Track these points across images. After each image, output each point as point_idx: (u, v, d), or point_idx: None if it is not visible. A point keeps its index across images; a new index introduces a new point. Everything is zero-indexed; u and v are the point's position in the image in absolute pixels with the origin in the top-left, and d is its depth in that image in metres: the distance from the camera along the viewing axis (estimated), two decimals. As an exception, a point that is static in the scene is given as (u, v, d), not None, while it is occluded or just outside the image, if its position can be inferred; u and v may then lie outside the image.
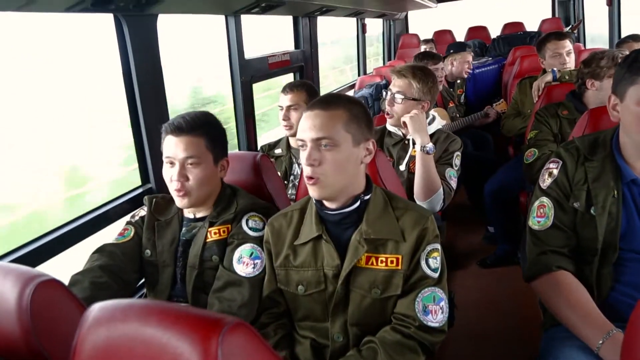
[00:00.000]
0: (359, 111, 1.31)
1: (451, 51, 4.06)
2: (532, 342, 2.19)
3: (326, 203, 1.31)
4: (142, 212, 1.59)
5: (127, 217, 1.63)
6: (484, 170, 3.14)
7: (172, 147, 1.45)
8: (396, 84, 2.11)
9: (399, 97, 2.09)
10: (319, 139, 1.24)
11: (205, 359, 0.61)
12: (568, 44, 2.94)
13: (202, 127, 1.47)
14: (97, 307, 0.73)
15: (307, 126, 1.26)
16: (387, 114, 2.14)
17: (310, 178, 1.25)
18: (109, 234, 1.64)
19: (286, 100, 2.26)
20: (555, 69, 2.81)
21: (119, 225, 1.64)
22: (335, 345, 1.32)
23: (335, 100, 1.30)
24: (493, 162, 3.33)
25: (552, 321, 1.40)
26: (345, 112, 1.27)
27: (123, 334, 0.68)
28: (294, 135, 2.22)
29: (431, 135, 2.09)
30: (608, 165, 1.37)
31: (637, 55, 1.30)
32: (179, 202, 1.48)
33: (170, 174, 1.46)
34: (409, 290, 1.27)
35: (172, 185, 1.46)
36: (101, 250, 1.49)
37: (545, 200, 1.44)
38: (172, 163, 1.46)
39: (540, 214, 1.44)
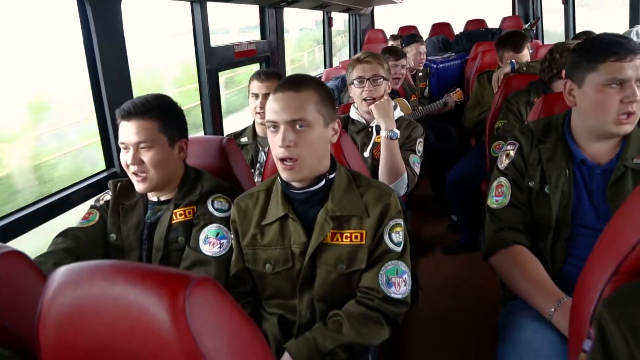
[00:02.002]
0: (327, 92, 1.35)
1: (403, 45, 4.14)
2: (493, 320, 2.29)
3: (293, 183, 1.34)
4: (107, 196, 1.57)
5: (91, 201, 1.61)
6: (447, 161, 3.22)
7: (125, 132, 1.44)
8: (367, 69, 2.16)
9: (374, 79, 2.14)
10: (294, 121, 1.26)
11: (173, 313, 0.62)
12: (525, 55, 3.03)
13: (153, 109, 1.45)
14: (62, 270, 0.73)
15: (280, 107, 1.27)
16: (366, 99, 2.16)
17: (285, 160, 1.26)
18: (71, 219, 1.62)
19: (263, 87, 2.22)
20: (513, 60, 2.92)
21: (82, 209, 1.62)
22: (302, 320, 1.35)
23: (306, 82, 1.31)
24: (455, 152, 3.42)
25: (510, 295, 1.46)
26: (315, 93, 1.30)
27: (90, 293, 0.69)
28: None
29: None
30: (560, 146, 1.44)
31: (595, 43, 1.35)
32: (138, 187, 1.47)
33: (125, 159, 1.45)
34: (372, 263, 1.31)
35: (129, 170, 1.46)
36: (65, 234, 1.47)
37: (503, 180, 1.51)
38: (126, 148, 1.45)
39: (499, 194, 1.50)
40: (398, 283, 1.30)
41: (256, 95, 2.25)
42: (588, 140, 1.41)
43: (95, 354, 0.69)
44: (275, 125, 1.28)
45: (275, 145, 1.27)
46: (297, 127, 1.26)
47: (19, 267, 0.93)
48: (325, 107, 1.31)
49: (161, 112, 1.47)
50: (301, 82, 1.31)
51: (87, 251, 1.46)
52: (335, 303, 1.32)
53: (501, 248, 1.44)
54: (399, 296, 1.30)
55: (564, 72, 2.27)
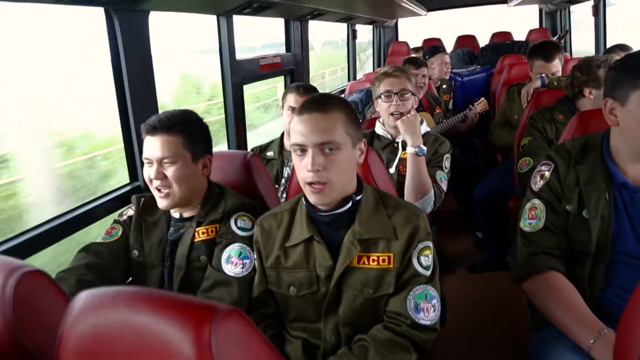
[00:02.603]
0: (353, 111, 1.31)
1: (426, 57, 4.09)
2: (520, 344, 2.21)
3: (318, 205, 1.30)
4: (130, 211, 1.56)
5: (114, 215, 1.60)
6: (472, 176, 3.15)
7: (149, 147, 1.43)
8: (394, 84, 2.11)
9: (402, 94, 2.10)
10: (323, 144, 1.21)
11: (198, 346, 0.59)
12: (556, 65, 2.94)
13: (177, 125, 1.44)
14: (84, 295, 0.70)
15: (308, 130, 1.22)
16: (393, 114, 2.11)
17: (314, 184, 1.22)
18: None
19: (301, 100, 2.14)
20: (543, 75, 2.84)
21: (105, 223, 1.62)
22: (327, 345, 1.30)
23: (331, 102, 1.27)
24: (481, 168, 3.34)
25: (542, 322, 1.39)
26: (343, 113, 1.25)
27: (111, 321, 0.66)
28: None
29: None
30: (599, 168, 1.37)
31: (637, 58, 1.29)
32: (161, 203, 1.45)
33: (148, 174, 1.44)
34: (400, 288, 1.26)
35: (152, 185, 1.44)
36: (87, 249, 1.46)
37: (537, 202, 1.44)
38: (150, 163, 1.44)
39: (532, 216, 1.44)
40: (427, 308, 1.25)
41: (294, 109, 2.22)
42: (630, 161, 1.34)
43: None
44: (302, 149, 1.23)
45: (303, 169, 1.23)
46: (327, 150, 1.22)
47: (40, 286, 0.91)
48: (352, 127, 1.27)
49: (186, 127, 1.46)
50: (328, 102, 1.26)
51: (109, 267, 1.45)
52: (362, 328, 1.27)
53: (535, 273, 1.37)
54: (428, 322, 1.25)
55: (586, 89, 2.23)
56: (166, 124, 1.43)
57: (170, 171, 1.42)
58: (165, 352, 0.61)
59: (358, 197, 1.30)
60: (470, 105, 3.66)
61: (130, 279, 1.54)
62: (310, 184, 1.23)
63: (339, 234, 1.29)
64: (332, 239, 1.29)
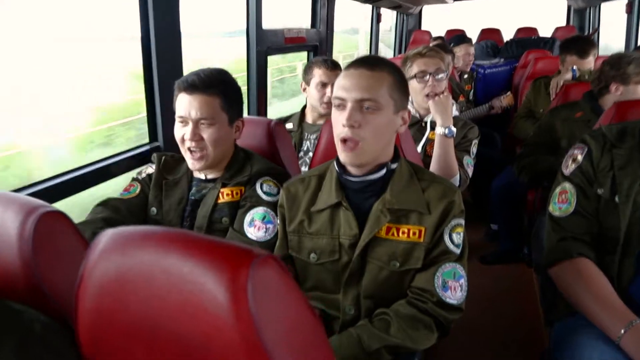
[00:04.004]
0: (402, 78, 1.26)
1: (451, 44, 4.00)
2: (533, 336, 2.17)
3: (350, 169, 1.25)
4: (150, 169, 1.52)
5: (132, 174, 1.57)
6: (490, 168, 3.09)
7: (186, 105, 1.38)
8: (429, 64, 2.04)
9: (438, 74, 2.04)
10: (362, 100, 1.17)
11: (233, 291, 0.54)
12: (589, 62, 2.85)
13: (217, 85, 1.39)
14: (109, 233, 0.66)
15: (351, 84, 1.18)
16: (428, 95, 2.05)
17: (347, 141, 1.18)
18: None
19: (333, 76, 2.15)
20: (575, 67, 2.76)
21: (121, 181, 1.58)
22: (345, 317, 1.26)
23: (381, 63, 1.23)
24: (500, 160, 3.28)
25: (567, 311, 1.34)
26: (390, 75, 1.21)
27: (139, 261, 0.61)
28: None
29: None
30: (636, 153, 1.31)
31: None
32: (193, 164, 1.41)
33: (182, 133, 1.39)
34: (429, 264, 1.22)
35: (185, 145, 1.39)
36: (105, 204, 1.43)
37: (567, 186, 1.39)
38: (184, 122, 1.39)
39: (562, 200, 1.39)
40: (454, 287, 1.20)
41: (324, 85, 2.19)
42: None
43: (137, 331, 0.62)
44: (342, 103, 1.19)
45: (339, 123, 1.19)
46: (365, 107, 1.17)
47: (60, 228, 0.87)
48: (398, 92, 1.22)
49: (225, 88, 1.41)
50: (377, 61, 1.23)
51: (126, 223, 1.41)
52: (384, 302, 1.23)
53: (563, 259, 1.32)
54: (454, 301, 1.21)
55: (613, 85, 2.16)
56: (206, 83, 1.38)
57: (207, 133, 1.38)
58: (197, 297, 0.57)
59: (393, 166, 1.25)
60: (495, 98, 3.60)
61: None
62: (343, 140, 1.18)
63: (368, 202, 1.24)
64: (360, 207, 1.25)
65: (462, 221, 1.25)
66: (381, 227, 1.22)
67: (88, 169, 1.58)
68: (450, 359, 2.09)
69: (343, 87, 1.19)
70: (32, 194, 1.39)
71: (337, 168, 1.27)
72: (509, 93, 3.61)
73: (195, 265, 0.58)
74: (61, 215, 0.88)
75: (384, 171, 1.24)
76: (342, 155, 1.21)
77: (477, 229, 3.31)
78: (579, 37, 3.07)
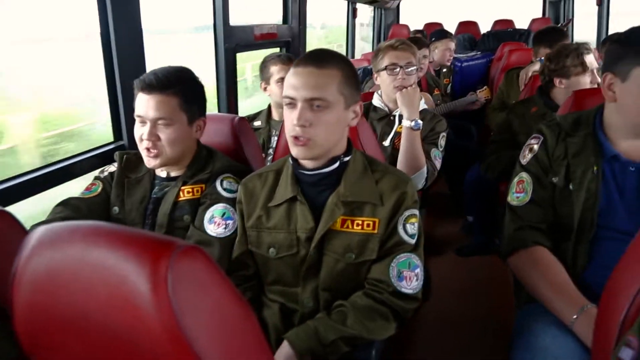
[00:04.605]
0: (351, 72, 1.26)
1: (433, 39, 4.03)
2: (505, 325, 2.20)
3: (304, 162, 1.26)
4: (112, 168, 1.51)
5: (94, 173, 1.56)
6: (466, 160, 3.12)
7: (143, 105, 1.37)
8: (401, 57, 2.06)
9: (408, 67, 2.06)
10: (312, 99, 1.18)
11: (153, 282, 0.55)
12: None
13: (175, 85, 1.38)
14: (41, 229, 0.66)
15: (300, 83, 1.19)
16: (397, 87, 2.07)
17: (298, 138, 1.19)
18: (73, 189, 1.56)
19: (288, 69, 2.16)
20: (542, 58, 2.79)
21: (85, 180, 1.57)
22: (304, 310, 1.27)
23: (330, 58, 1.22)
24: (475, 152, 3.31)
25: (528, 298, 1.37)
26: (339, 71, 1.21)
27: (67, 255, 0.62)
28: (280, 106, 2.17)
29: None
30: (590, 141, 1.34)
31: None
32: (149, 162, 1.41)
33: (140, 133, 1.38)
34: (384, 255, 1.23)
35: (142, 145, 1.39)
36: (65, 203, 1.42)
37: (524, 175, 1.42)
38: (143, 122, 1.38)
39: (519, 190, 1.42)
40: (410, 277, 1.22)
41: (283, 79, 2.18)
42: (624, 136, 1.31)
43: (70, 323, 0.63)
44: (292, 102, 1.20)
45: (290, 122, 1.20)
46: (315, 106, 1.18)
47: (4, 226, 0.87)
48: (348, 87, 1.22)
49: (184, 88, 1.40)
50: (325, 57, 1.22)
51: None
52: (341, 294, 1.24)
53: (520, 248, 1.35)
54: (410, 291, 1.22)
55: (556, 79, 2.21)
56: (163, 83, 1.36)
57: (164, 133, 1.37)
58: (121, 288, 0.57)
59: (346, 159, 1.27)
60: (472, 92, 3.64)
61: None
62: (295, 137, 1.19)
63: (323, 195, 1.26)
64: (315, 200, 1.26)
65: (416, 211, 1.26)
66: (336, 220, 1.23)
67: (50, 168, 1.57)
68: (425, 349, 2.12)
69: (292, 85, 1.20)
70: None
71: (292, 163, 1.28)
72: (485, 87, 3.65)
73: (119, 258, 0.58)
74: (4, 213, 0.89)
75: (337, 164, 1.25)
76: (294, 150, 1.22)
77: (454, 221, 3.35)
78: (551, 28, 3.11)
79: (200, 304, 0.58)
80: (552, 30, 3.04)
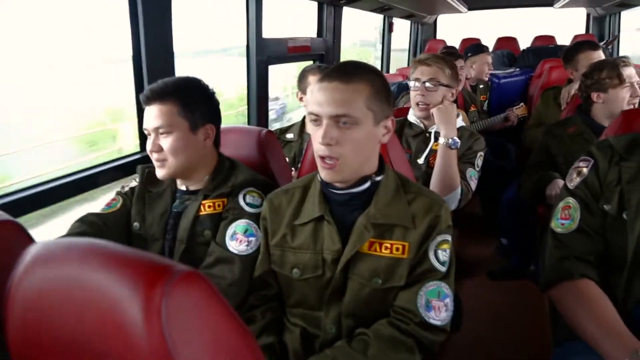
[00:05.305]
0: (381, 85, 1.18)
1: (469, 54, 3.91)
2: (540, 358, 2.06)
3: (329, 181, 1.19)
4: (133, 183, 1.50)
5: (120, 181, 1.54)
6: (502, 180, 2.99)
7: (146, 117, 1.37)
8: (425, 72, 1.99)
9: (430, 84, 1.97)
10: (337, 116, 1.11)
11: (147, 310, 0.50)
12: (602, 55, 2.79)
13: (172, 93, 1.36)
14: (37, 246, 0.62)
15: (325, 99, 1.12)
16: (418, 104, 2.01)
17: (325, 159, 1.12)
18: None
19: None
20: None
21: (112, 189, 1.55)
22: (326, 336, 1.20)
23: (357, 72, 1.15)
24: (512, 171, 3.17)
25: (567, 334, 1.25)
26: (367, 86, 1.14)
27: (61, 275, 0.57)
28: None
29: None
30: None
31: None
32: (158, 172, 1.39)
33: (148, 145, 1.38)
34: (412, 282, 1.15)
35: (152, 157, 1.38)
36: (82, 220, 1.41)
37: (571, 201, 1.30)
38: (149, 134, 1.38)
39: (565, 216, 1.30)
40: (439, 307, 1.13)
41: None
42: None
43: (60, 346, 0.58)
44: (317, 119, 1.13)
45: (316, 141, 1.13)
46: (342, 123, 1.11)
47: (14, 237, 0.85)
48: (377, 102, 1.15)
49: (181, 95, 1.37)
50: (352, 71, 1.15)
51: (104, 238, 1.38)
52: (365, 321, 1.16)
53: (565, 280, 1.23)
54: (438, 322, 1.13)
55: (593, 94, 2.12)
56: (159, 93, 1.36)
57: (166, 142, 1.35)
58: (113, 314, 0.52)
59: (378, 178, 1.19)
60: (509, 109, 3.51)
61: None
62: (322, 158, 1.13)
63: (352, 215, 1.18)
64: (344, 220, 1.19)
65: (449, 237, 1.17)
66: (364, 242, 1.15)
67: (72, 177, 1.56)
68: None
69: (317, 102, 1.13)
70: (7, 203, 1.36)
71: (320, 180, 1.22)
72: (521, 104, 3.52)
73: (113, 281, 0.53)
74: (15, 224, 0.86)
75: (368, 184, 1.18)
76: (322, 173, 1.15)
77: (488, 242, 3.21)
78: (583, 41, 2.99)
79: (196, 333, 0.52)
80: (585, 43, 2.93)
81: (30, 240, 0.87)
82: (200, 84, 1.44)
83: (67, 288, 0.56)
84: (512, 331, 2.28)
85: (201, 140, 1.41)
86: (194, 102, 1.39)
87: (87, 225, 1.38)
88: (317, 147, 1.14)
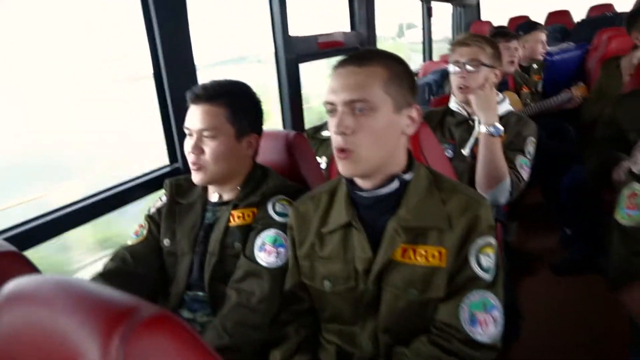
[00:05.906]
0: (401, 69, 1.06)
1: (520, 32, 3.64)
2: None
3: (359, 182, 1.08)
4: (159, 202, 1.45)
5: (152, 196, 1.50)
6: (562, 164, 2.76)
7: (190, 116, 1.31)
8: (464, 53, 1.84)
9: (471, 65, 1.82)
10: (352, 102, 1.00)
11: (104, 355, 0.42)
12: None
13: (223, 95, 1.30)
14: (13, 283, 0.56)
15: (338, 86, 1.02)
16: (460, 87, 1.86)
17: (341, 150, 1.02)
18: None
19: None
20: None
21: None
22: (363, 353, 1.09)
23: (372, 56, 1.05)
24: (573, 154, 2.92)
25: None
26: (384, 69, 1.02)
27: (29, 317, 0.51)
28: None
29: (500, 118, 1.81)
30: None
31: None
32: (194, 176, 1.32)
33: (187, 145, 1.31)
34: (453, 293, 1.02)
35: (189, 158, 1.31)
36: (114, 256, 1.38)
37: (637, 187, 1.14)
38: (190, 134, 1.31)
39: (631, 205, 1.14)
40: (485, 321, 0.99)
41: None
42: None
43: None
44: (333, 108, 1.03)
45: (332, 131, 1.03)
46: (357, 110, 1.00)
47: (15, 267, 0.81)
48: (397, 86, 1.03)
49: (233, 99, 1.31)
50: (368, 55, 1.05)
51: (136, 270, 1.36)
52: (404, 337, 1.05)
53: (636, 279, 1.07)
54: (485, 339, 0.99)
55: None
56: (210, 93, 1.30)
57: (209, 146, 1.29)
58: None
59: (407, 176, 1.07)
60: (566, 89, 3.24)
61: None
62: (338, 150, 1.02)
63: (382, 220, 1.07)
64: (375, 226, 1.08)
65: (492, 240, 1.03)
66: (396, 249, 1.04)
67: (102, 195, 1.53)
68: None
69: (332, 89, 1.03)
70: (35, 227, 1.36)
71: (346, 182, 1.12)
72: (580, 83, 3.23)
73: (76, 326, 0.46)
74: (16, 255, 0.83)
75: (396, 184, 1.06)
76: (339, 165, 1.05)
77: (550, 233, 2.97)
78: None
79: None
80: None
81: (34, 270, 0.83)
82: (250, 91, 1.39)
83: (33, 332, 0.50)
84: (582, 331, 2.06)
85: (244, 149, 1.35)
86: (243, 108, 1.34)
87: (119, 260, 1.36)
88: (334, 138, 1.04)
